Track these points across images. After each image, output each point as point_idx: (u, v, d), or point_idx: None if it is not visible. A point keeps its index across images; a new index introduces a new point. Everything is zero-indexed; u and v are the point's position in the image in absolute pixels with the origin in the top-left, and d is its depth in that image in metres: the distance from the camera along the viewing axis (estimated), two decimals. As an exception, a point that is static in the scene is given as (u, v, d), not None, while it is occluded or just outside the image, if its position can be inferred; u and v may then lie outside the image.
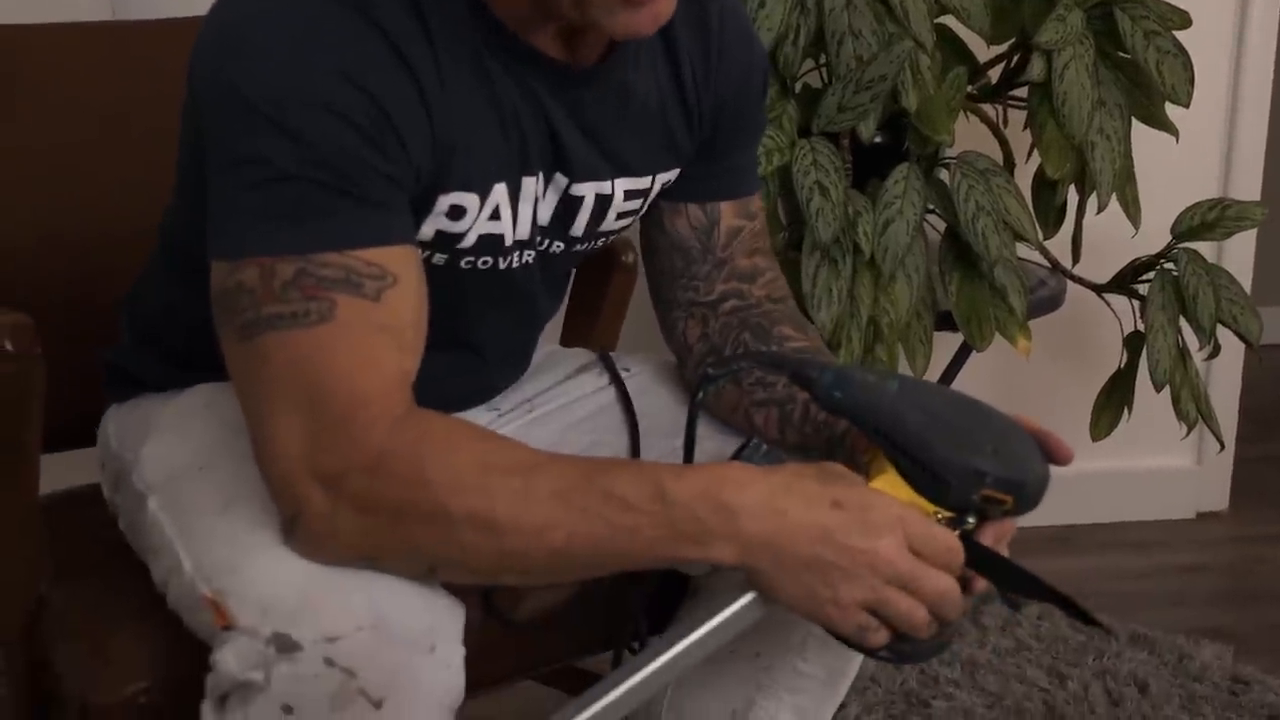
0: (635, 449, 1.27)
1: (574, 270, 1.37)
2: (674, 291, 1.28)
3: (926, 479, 0.98)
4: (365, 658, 0.93)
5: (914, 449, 0.98)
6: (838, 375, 1.02)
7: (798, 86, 1.96)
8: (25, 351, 1.15)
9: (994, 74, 2.12)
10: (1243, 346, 2.49)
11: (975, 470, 0.97)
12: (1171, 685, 2.05)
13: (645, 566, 0.95)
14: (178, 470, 1.12)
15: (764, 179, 1.91)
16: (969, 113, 2.12)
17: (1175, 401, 2.08)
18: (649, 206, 1.25)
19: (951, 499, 0.98)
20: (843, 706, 1.94)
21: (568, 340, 1.62)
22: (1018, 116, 2.13)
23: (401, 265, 0.99)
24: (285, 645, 0.94)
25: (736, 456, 1.09)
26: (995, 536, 1.02)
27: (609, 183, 1.17)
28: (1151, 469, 2.64)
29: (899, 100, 1.91)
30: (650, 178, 1.21)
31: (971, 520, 0.99)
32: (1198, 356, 2.16)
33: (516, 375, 1.36)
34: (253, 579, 0.96)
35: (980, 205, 1.93)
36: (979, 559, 0.99)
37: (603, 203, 1.18)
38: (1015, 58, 2.08)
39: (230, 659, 0.96)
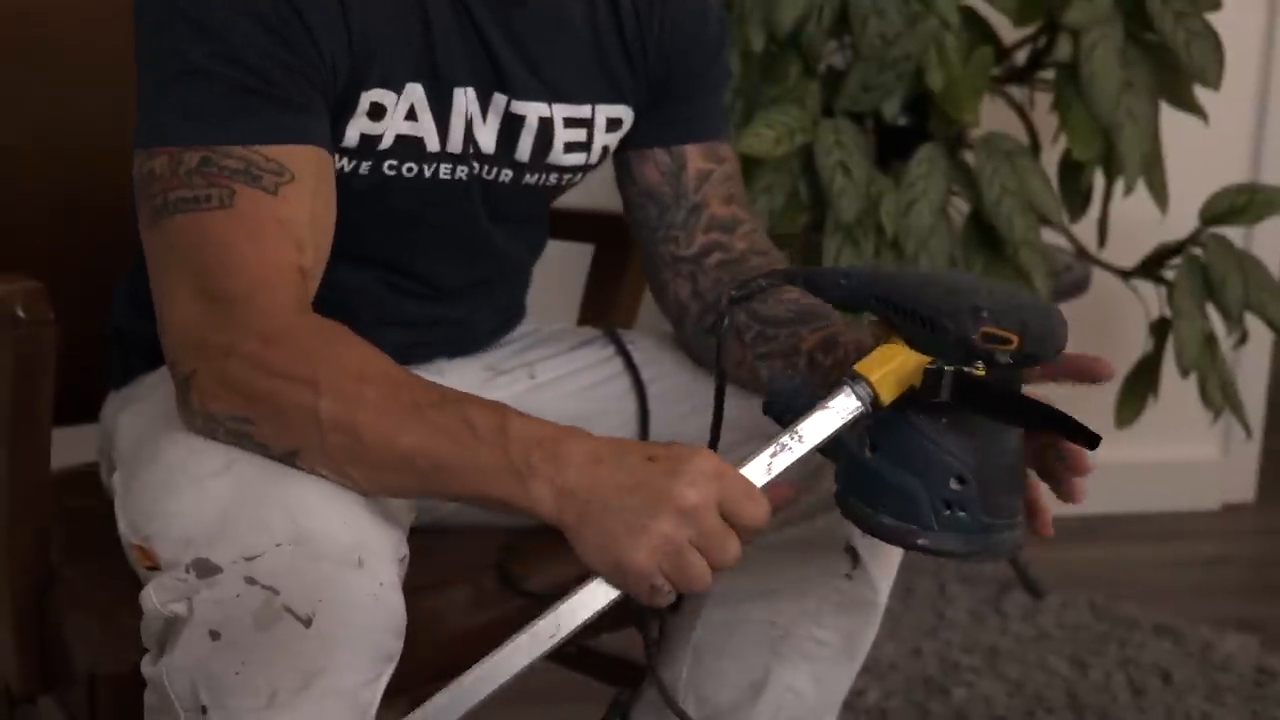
0: (644, 416, 1.27)
1: (544, 219, 1.36)
2: (655, 246, 1.28)
3: (924, 330, 0.96)
4: (287, 574, 0.93)
5: (910, 301, 0.96)
6: (848, 268, 1.03)
7: (822, 67, 1.95)
8: (38, 318, 1.14)
9: (1021, 55, 2.10)
10: (1271, 335, 2.47)
11: (971, 306, 0.94)
12: (1196, 675, 2.03)
13: (478, 499, 0.96)
14: (138, 438, 1.13)
15: (786, 159, 1.89)
16: (994, 94, 2.10)
17: (1202, 389, 2.05)
18: (618, 161, 1.26)
19: (951, 342, 0.94)
20: (862, 693, 1.92)
21: (584, 321, 1.61)
22: (1043, 99, 2.11)
23: (302, 165, 1.04)
24: (204, 569, 0.93)
25: (772, 391, 1.08)
26: None
27: (547, 105, 1.19)
28: (1177, 459, 2.62)
29: (923, 80, 1.89)
30: (589, 107, 1.21)
31: (979, 366, 0.95)
32: (1225, 344, 2.13)
33: (492, 319, 1.35)
34: (174, 514, 0.97)
35: (1005, 187, 1.91)
36: (976, 397, 0.95)
37: (545, 127, 1.19)
38: (1042, 38, 2.06)
39: (152, 596, 0.96)
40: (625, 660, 1.48)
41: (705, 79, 1.27)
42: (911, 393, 0.96)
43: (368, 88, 1.10)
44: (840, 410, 0.97)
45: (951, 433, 0.96)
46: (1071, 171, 2.06)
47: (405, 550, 1.01)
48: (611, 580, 0.94)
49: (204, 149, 1.02)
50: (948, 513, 0.96)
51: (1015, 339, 0.94)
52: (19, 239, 1.42)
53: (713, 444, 1.05)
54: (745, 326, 1.22)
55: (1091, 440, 0.94)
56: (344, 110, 1.10)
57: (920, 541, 0.96)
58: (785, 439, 0.97)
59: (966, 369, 0.94)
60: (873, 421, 0.98)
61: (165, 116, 1.04)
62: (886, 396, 0.97)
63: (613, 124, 1.23)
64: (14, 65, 1.45)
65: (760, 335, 1.21)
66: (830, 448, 0.99)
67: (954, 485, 0.96)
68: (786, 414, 1.01)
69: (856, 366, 0.97)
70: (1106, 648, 2.09)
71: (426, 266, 1.24)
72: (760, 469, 0.96)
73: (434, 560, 1.13)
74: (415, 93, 1.13)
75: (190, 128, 1.02)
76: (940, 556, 0.97)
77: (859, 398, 0.96)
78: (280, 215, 1.02)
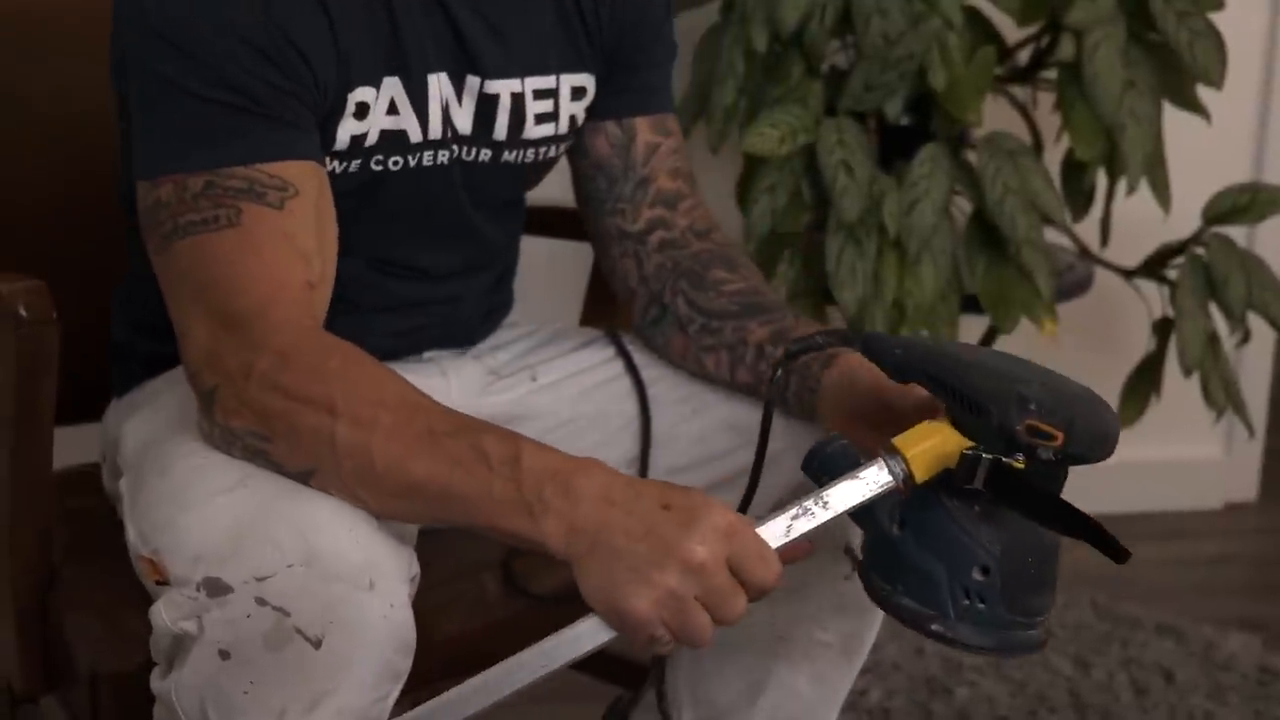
0: (645, 416, 1.27)
1: (520, 205, 1.37)
2: (602, 219, 1.29)
3: (968, 414, 0.93)
4: (298, 595, 0.92)
5: (958, 381, 0.94)
6: (905, 339, 1.01)
7: (825, 66, 1.95)
8: (40, 317, 1.14)
9: (1023, 55, 2.10)
10: (1273, 334, 2.47)
11: (1018, 395, 0.91)
12: (1198, 675, 2.02)
13: (488, 530, 0.95)
14: (144, 445, 1.13)
15: (789, 158, 1.89)
16: (997, 93, 2.10)
17: (1204, 388, 2.05)
18: (575, 136, 1.27)
19: (994, 429, 0.92)
20: (865, 692, 1.92)
21: (586, 321, 1.60)
22: (1046, 99, 2.11)
23: (302, 179, 1.06)
24: (216, 589, 0.93)
25: (814, 449, 1.05)
26: None
27: (519, 81, 1.20)
28: (1179, 459, 2.62)
29: (926, 80, 1.89)
30: (554, 77, 1.22)
31: (1020, 459, 0.92)
32: (1228, 343, 2.13)
33: (481, 303, 1.35)
34: (187, 528, 0.97)
35: (1008, 186, 1.91)
36: (1009, 491, 0.92)
37: (518, 102, 1.20)
38: (1045, 38, 2.05)
39: (162, 612, 0.96)
40: (626, 660, 1.48)
41: (655, 51, 1.29)
42: (948, 475, 0.94)
43: (352, 89, 1.11)
44: (871, 482, 0.95)
45: (983, 521, 0.94)
46: (1074, 171, 2.06)
47: (416, 569, 1.01)
48: (609, 622, 0.93)
49: (208, 173, 1.03)
50: (966, 602, 0.93)
51: (1060, 436, 0.91)
52: (19, 238, 1.42)
53: (746, 501, 1.04)
54: (688, 319, 1.23)
55: (1121, 555, 0.91)
56: (333, 114, 1.11)
57: (933, 627, 0.93)
58: (810, 503, 0.95)
59: (1005, 459, 0.92)
60: (907, 498, 0.95)
61: (164, 145, 1.05)
62: (920, 474, 0.94)
63: (577, 92, 1.24)
64: (14, 63, 1.45)
65: (704, 328, 1.22)
66: (861, 516, 0.97)
67: (977, 575, 0.93)
68: (824, 475, 0.99)
69: (894, 441, 0.95)
70: (1109, 647, 2.09)
71: (414, 255, 1.25)
72: (779, 530, 0.94)
73: (438, 560, 1.13)
74: (393, 87, 1.14)
75: (191, 153, 1.04)
76: (952, 647, 0.94)
77: (892, 472, 0.94)
78: (286, 229, 1.04)
